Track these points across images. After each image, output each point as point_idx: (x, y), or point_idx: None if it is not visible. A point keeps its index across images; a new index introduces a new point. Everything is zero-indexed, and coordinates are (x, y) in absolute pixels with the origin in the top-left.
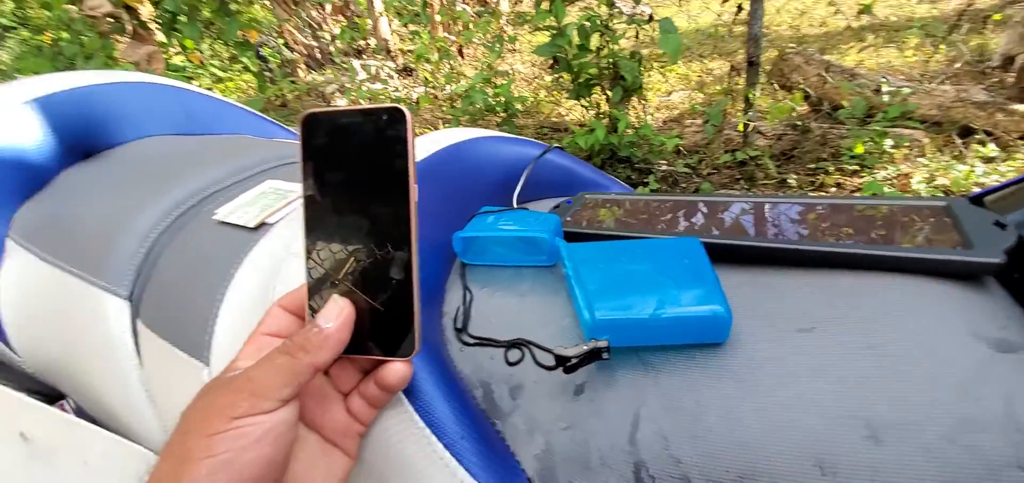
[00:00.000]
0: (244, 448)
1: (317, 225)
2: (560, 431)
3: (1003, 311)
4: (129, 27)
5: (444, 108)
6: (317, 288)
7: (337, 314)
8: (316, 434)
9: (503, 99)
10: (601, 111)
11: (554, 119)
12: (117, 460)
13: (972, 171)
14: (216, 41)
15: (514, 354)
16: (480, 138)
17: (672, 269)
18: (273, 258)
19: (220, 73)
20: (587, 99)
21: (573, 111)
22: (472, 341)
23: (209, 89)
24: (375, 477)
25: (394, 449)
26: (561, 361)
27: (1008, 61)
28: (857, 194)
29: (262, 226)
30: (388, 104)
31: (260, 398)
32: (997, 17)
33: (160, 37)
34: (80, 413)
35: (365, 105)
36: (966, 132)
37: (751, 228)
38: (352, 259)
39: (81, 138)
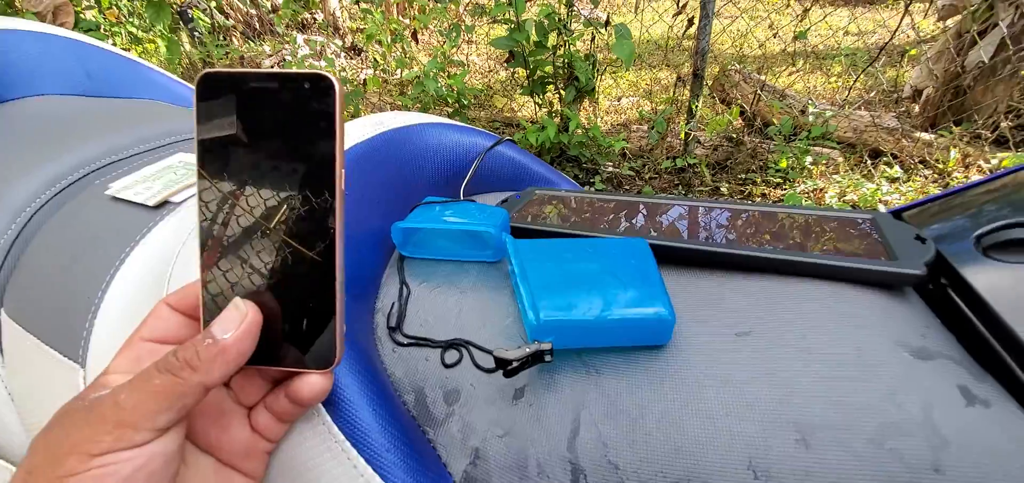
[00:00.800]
0: None
1: (216, 211)
2: (496, 439)
3: (922, 320)
4: None
5: (393, 93)
6: (215, 287)
7: (237, 321)
8: (210, 457)
9: (456, 89)
10: (553, 109)
11: (507, 113)
12: None
13: (878, 189)
14: None
15: (451, 356)
16: (427, 124)
17: (619, 269)
18: (173, 243)
19: (139, 33)
20: (541, 96)
21: (525, 107)
22: (406, 341)
23: (126, 50)
24: None
25: (309, 467)
26: (501, 364)
27: (917, 93)
28: (779, 204)
29: (165, 204)
30: (312, 70)
31: (129, 428)
32: (912, 52)
33: None
34: None
35: (283, 70)
36: (875, 154)
37: (693, 231)
38: (260, 253)
39: None
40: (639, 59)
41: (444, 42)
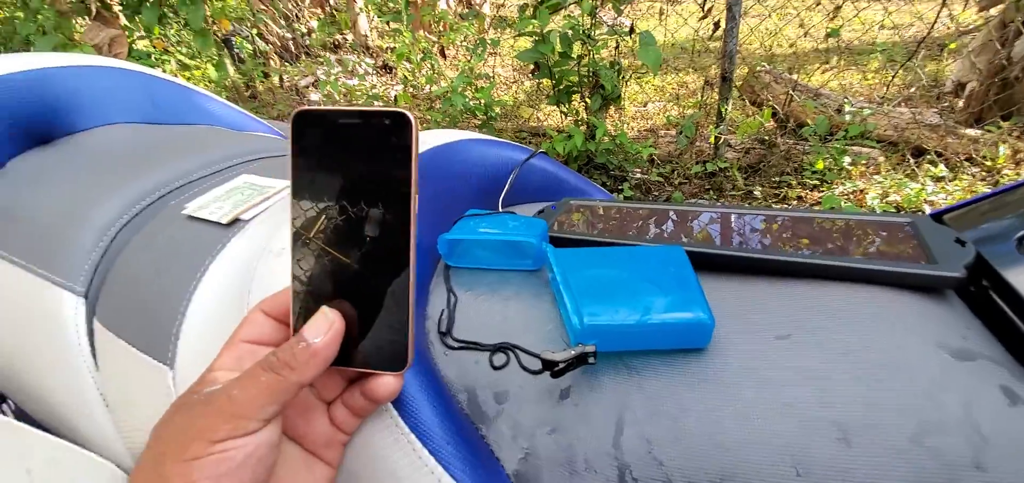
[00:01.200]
0: (225, 474)
1: (305, 228)
2: (545, 435)
3: (963, 322)
4: (93, 7)
5: (422, 108)
6: (303, 296)
7: (327, 328)
8: (297, 445)
9: (483, 102)
10: (580, 118)
11: (533, 124)
12: (66, 469)
13: (923, 189)
14: (184, 27)
15: (499, 358)
16: (466, 140)
17: (657, 276)
18: (248, 256)
19: (187, 60)
20: (567, 105)
21: (551, 116)
22: (457, 345)
23: (174, 76)
24: None
25: (379, 457)
26: (548, 365)
27: (960, 88)
28: (817, 207)
29: (236, 222)
30: (392, 108)
31: (242, 419)
32: (952, 46)
33: (124, 21)
34: (21, 416)
35: (365, 107)
36: (919, 152)
37: (731, 238)
38: (343, 266)
39: (36, 123)
40: (665, 63)
41: (470, 57)
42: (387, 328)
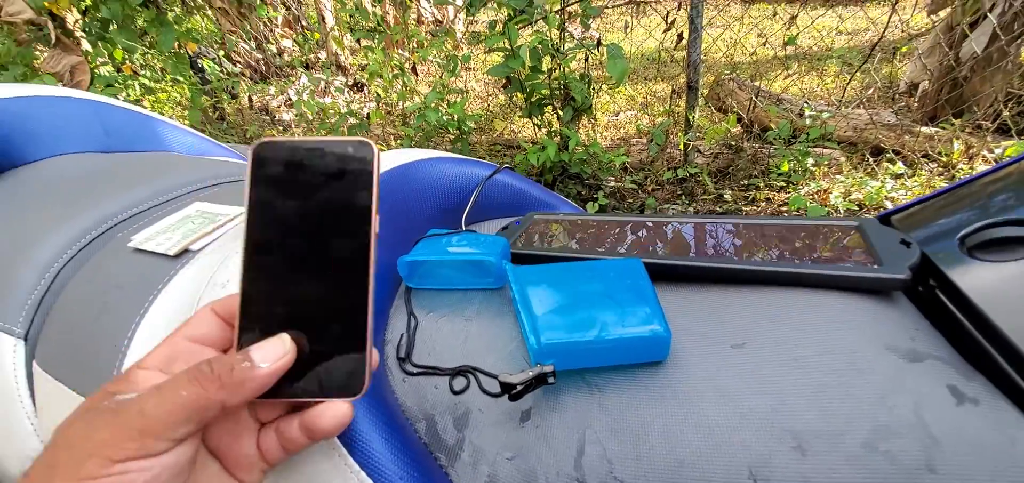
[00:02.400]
0: None
1: (260, 249)
2: (506, 461)
3: (911, 323)
4: (53, 35)
5: (396, 124)
6: (253, 312)
7: (278, 356)
8: (216, 462)
9: (456, 117)
10: (553, 129)
11: (507, 136)
12: None
13: (883, 186)
14: (149, 51)
15: (459, 382)
16: (427, 159)
17: (615, 290)
18: (195, 288)
19: (152, 84)
20: (539, 118)
21: (525, 129)
22: (416, 371)
23: (139, 100)
24: None
25: None
26: (507, 388)
27: (913, 88)
28: (784, 208)
29: (185, 253)
30: (355, 137)
31: (150, 438)
32: (904, 49)
33: (87, 46)
34: None
35: (328, 137)
36: (877, 151)
37: (688, 246)
38: (298, 288)
39: None
40: (634, 73)
41: (442, 73)
42: (341, 355)
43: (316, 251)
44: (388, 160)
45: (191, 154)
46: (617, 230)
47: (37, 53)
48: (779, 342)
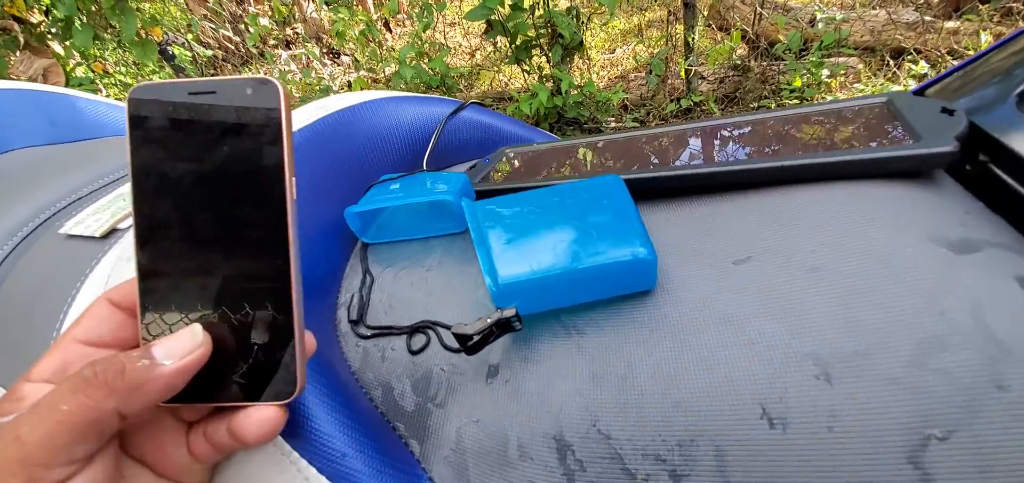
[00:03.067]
0: None
1: (154, 224)
2: (472, 424)
3: (960, 206)
4: (21, 38)
5: (381, 88)
6: (153, 297)
7: (186, 351)
8: (148, 470)
9: (438, 72)
10: (543, 74)
11: (497, 88)
12: None
13: (906, 89)
14: (119, 46)
15: (418, 341)
16: (381, 99)
17: (588, 213)
18: (120, 268)
19: (130, 80)
20: (527, 63)
21: (516, 78)
22: (370, 333)
23: (116, 98)
24: None
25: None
26: (462, 341)
27: None
28: (774, 110)
29: (112, 233)
30: (254, 76)
31: (38, 467)
32: None
33: (58, 49)
34: None
35: (222, 77)
36: (898, 53)
37: (676, 157)
38: (206, 272)
39: None
40: (627, 2)
41: (415, 23)
42: (268, 347)
43: (222, 224)
44: (330, 103)
45: None
46: (599, 151)
47: (6, 60)
48: (791, 250)
